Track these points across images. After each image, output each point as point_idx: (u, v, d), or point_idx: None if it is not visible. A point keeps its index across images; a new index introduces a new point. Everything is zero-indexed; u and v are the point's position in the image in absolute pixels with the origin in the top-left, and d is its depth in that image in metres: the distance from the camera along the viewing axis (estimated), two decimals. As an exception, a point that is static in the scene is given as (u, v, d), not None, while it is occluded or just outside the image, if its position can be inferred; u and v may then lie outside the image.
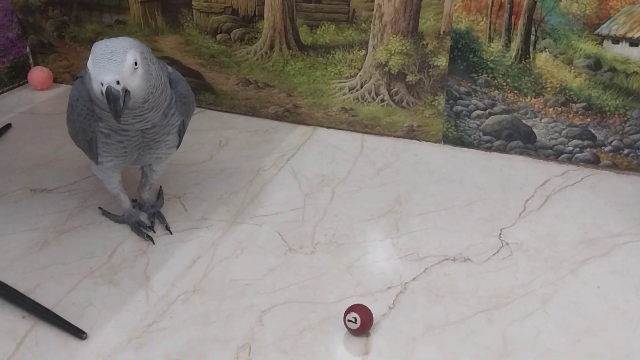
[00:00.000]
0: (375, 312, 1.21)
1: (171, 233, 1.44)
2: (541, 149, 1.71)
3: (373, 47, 1.76)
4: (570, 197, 1.57)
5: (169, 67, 1.34)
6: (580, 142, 1.66)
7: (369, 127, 1.88)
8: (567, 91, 1.62)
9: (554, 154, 1.70)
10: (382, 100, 1.82)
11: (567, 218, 1.49)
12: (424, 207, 1.54)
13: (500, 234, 1.44)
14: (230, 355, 1.11)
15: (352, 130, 1.90)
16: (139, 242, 1.41)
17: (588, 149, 1.67)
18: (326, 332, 1.17)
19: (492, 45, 1.63)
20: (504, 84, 1.67)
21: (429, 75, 1.74)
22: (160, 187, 1.58)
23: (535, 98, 1.66)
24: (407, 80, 1.76)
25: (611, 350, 1.12)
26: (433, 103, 1.77)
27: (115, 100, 1.10)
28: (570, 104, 1.63)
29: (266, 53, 1.89)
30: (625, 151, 1.63)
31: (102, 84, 1.10)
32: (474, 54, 1.66)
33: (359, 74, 1.81)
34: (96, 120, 1.25)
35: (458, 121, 1.77)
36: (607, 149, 1.65)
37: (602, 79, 1.58)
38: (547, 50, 1.59)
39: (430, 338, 1.15)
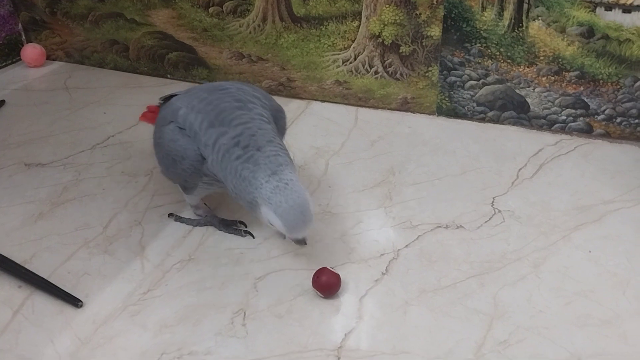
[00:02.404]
0: (369, 278, 1.22)
1: (253, 237, 1.34)
2: (534, 118, 1.71)
3: (366, 18, 1.75)
4: (563, 165, 1.58)
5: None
6: (573, 111, 1.67)
7: (363, 100, 1.87)
8: (560, 60, 1.62)
9: (548, 124, 1.71)
10: (376, 72, 1.82)
11: (559, 186, 1.50)
12: (417, 177, 1.55)
13: (493, 201, 1.44)
14: (225, 320, 1.13)
15: (346, 104, 1.90)
16: (134, 214, 1.42)
17: (581, 118, 1.67)
18: (321, 297, 1.18)
19: (485, 14, 1.63)
20: (497, 53, 1.66)
21: (422, 46, 1.73)
22: None
23: (528, 67, 1.66)
24: (400, 51, 1.76)
25: (601, 311, 1.14)
26: (427, 74, 1.77)
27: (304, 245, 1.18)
28: (563, 72, 1.63)
29: (259, 26, 1.88)
30: (618, 119, 1.64)
31: (299, 238, 1.15)
32: (467, 23, 1.65)
33: (352, 46, 1.80)
34: (201, 176, 1.22)
35: (452, 92, 1.77)
36: (600, 117, 1.65)
37: (595, 47, 1.57)
38: (540, 18, 1.59)
39: (422, 302, 1.17)
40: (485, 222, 1.38)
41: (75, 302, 1.17)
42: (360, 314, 1.14)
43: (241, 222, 1.36)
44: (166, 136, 1.23)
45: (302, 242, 1.16)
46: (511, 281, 1.21)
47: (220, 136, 1.15)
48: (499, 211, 1.41)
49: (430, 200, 1.45)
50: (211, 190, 1.31)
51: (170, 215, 1.40)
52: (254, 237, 1.33)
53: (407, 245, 1.31)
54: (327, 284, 1.15)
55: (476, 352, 1.06)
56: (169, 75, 2.08)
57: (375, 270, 1.24)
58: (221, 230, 1.35)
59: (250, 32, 1.90)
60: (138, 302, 1.18)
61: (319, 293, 1.16)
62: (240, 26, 1.91)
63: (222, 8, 1.90)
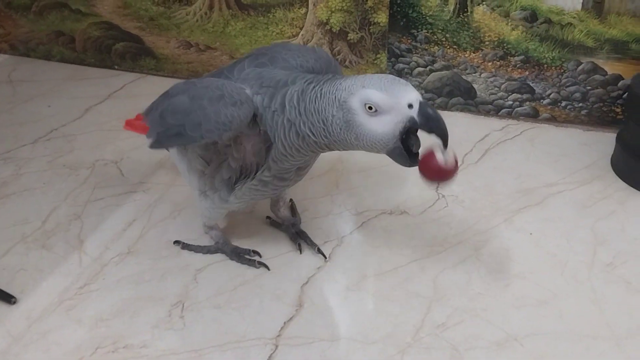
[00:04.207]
0: (312, 266, 1.21)
1: (325, 257, 1.22)
2: (482, 104, 1.72)
3: (313, 5, 1.73)
4: (509, 150, 1.59)
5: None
6: (519, 95, 1.68)
7: (313, 87, 1.86)
8: (505, 44, 1.63)
9: (494, 109, 1.72)
10: (325, 60, 1.80)
11: (504, 170, 1.51)
12: (365, 165, 1.54)
13: (438, 187, 1.45)
14: (162, 312, 1.11)
15: (296, 92, 1.88)
16: (74, 207, 1.38)
17: (527, 103, 1.68)
18: (261, 285, 1.17)
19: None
20: (444, 39, 1.66)
21: (370, 33, 1.72)
22: (291, 199, 1.36)
23: (474, 53, 1.66)
24: (348, 38, 1.75)
25: (539, 291, 1.15)
26: (375, 62, 1.76)
27: (440, 117, 0.93)
28: (509, 57, 1.64)
29: (206, 13, 1.85)
30: (563, 103, 1.66)
31: (411, 104, 0.91)
32: (413, 9, 1.65)
33: (300, 33, 1.79)
34: (235, 133, 1.02)
35: (400, 79, 1.76)
36: (545, 102, 1.67)
37: (538, 31, 1.59)
38: (484, 3, 1.59)
39: (363, 287, 1.17)
40: (429, 207, 1.38)
41: (8, 298, 1.14)
42: (300, 301, 1.13)
43: (255, 252, 1.24)
44: (225, 81, 1.03)
45: (427, 112, 0.92)
46: (451, 264, 1.21)
47: (289, 90, 1.00)
48: (443, 196, 1.42)
49: (376, 187, 1.45)
50: (261, 194, 1.14)
51: (176, 242, 1.26)
52: (269, 269, 1.20)
53: (351, 232, 1.31)
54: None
55: (414, 335, 1.06)
56: (116, 67, 2.03)
57: (318, 258, 1.23)
58: (233, 259, 1.22)
59: (197, 21, 1.87)
60: (74, 296, 1.15)
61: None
62: (187, 14, 1.87)
63: (168, -4, 1.86)
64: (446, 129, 0.94)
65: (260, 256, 1.23)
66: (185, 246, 1.26)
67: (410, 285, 1.17)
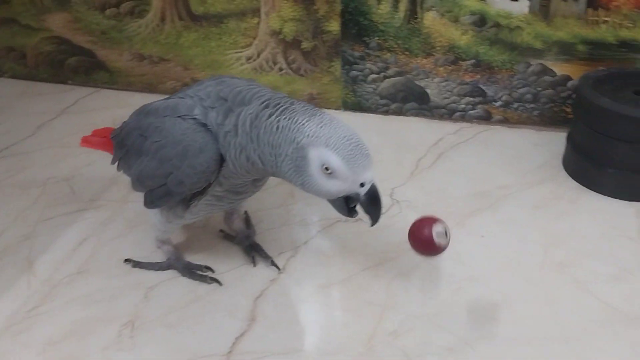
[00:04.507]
0: (265, 279, 1.21)
1: (279, 269, 1.22)
2: (435, 108, 1.74)
3: (265, 14, 1.73)
4: (463, 153, 1.61)
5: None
6: (472, 99, 1.70)
7: (269, 97, 1.85)
8: (455, 49, 1.64)
9: (448, 113, 1.74)
10: (281, 69, 1.80)
11: (457, 173, 1.52)
12: (321, 173, 1.54)
13: (392, 193, 1.45)
14: (112, 333, 1.09)
15: (252, 101, 1.88)
16: (23, 228, 1.35)
17: (480, 106, 1.70)
18: (214, 301, 1.15)
19: (381, 6, 1.64)
20: (395, 46, 1.68)
21: (323, 41, 1.73)
22: (245, 212, 1.35)
23: (425, 58, 1.68)
24: (302, 47, 1.75)
25: (491, 294, 1.16)
26: (330, 69, 1.76)
27: (380, 199, 0.97)
28: (460, 62, 1.66)
29: (158, 25, 1.83)
30: (515, 105, 1.68)
31: (364, 184, 0.95)
32: (364, 17, 1.66)
33: (254, 43, 1.78)
34: (213, 178, 1.03)
35: (355, 86, 1.77)
36: (497, 104, 1.69)
37: (487, 35, 1.61)
38: (433, 8, 1.61)
39: (316, 298, 1.16)
40: (383, 213, 1.37)
41: (-47, 326, 1.11)
42: (253, 315, 1.12)
43: (207, 268, 1.22)
44: (182, 125, 1.01)
45: (374, 196, 0.97)
46: (405, 270, 1.22)
47: (243, 112, 0.98)
48: (397, 202, 1.42)
49: (331, 195, 1.45)
50: (217, 208, 1.14)
51: (127, 261, 1.24)
52: (221, 285, 1.18)
53: (306, 242, 1.30)
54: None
55: (366, 344, 1.06)
56: (69, 81, 2.00)
57: (272, 270, 1.23)
58: (185, 276, 1.20)
59: (149, 33, 1.85)
60: (22, 320, 1.12)
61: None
62: (139, 27, 1.85)
63: (118, 9, 1.84)
64: (380, 216, 0.99)
65: (213, 272, 1.22)
66: (136, 264, 1.23)
67: (363, 293, 1.17)
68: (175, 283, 1.20)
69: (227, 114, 1.00)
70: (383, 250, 1.27)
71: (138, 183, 1.13)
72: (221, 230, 1.32)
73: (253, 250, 1.25)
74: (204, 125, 1.01)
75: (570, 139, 1.51)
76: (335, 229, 1.34)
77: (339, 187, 0.95)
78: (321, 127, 0.92)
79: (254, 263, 1.23)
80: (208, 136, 1.00)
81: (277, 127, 0.94)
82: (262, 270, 1.23)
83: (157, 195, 1.08)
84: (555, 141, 1.61)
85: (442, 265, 1.23)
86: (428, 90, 1.72)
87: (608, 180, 1.42)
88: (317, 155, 0.92)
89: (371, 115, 1.80)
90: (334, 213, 1.38)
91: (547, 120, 1.67)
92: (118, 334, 1.09)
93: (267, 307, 1.14)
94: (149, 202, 1.11)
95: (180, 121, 1.02)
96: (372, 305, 1.14)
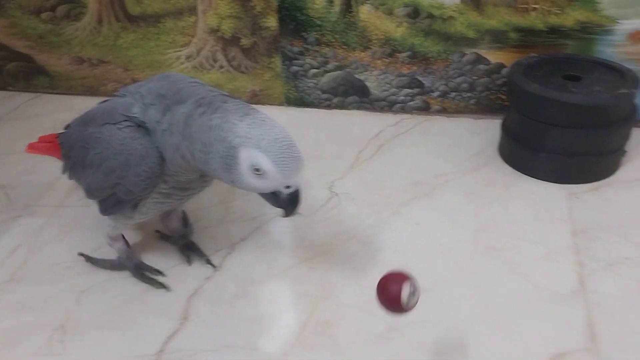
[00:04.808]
0: (200, 277, 1.20)
1: (214, 267, 1.22)
2: (376, 101, 1.76)
3: (202, 12, 1.73)
4: (402, 144, 1.63)
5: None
6: (410, 90, 1.72)
7: (212, 95, 1.85)
8: (391, 42, 1.66)
9: (388, 105, 1.75)
10: (221, 67, 1.80)
11: (396, 164, 1.54)
12: (262, 169, 1.54)
13: (332, 185, 1.46)
14: (42, 338, 1.07)
15: (195, 101, 1.87)
16: (-45, 238, 1.33)
17: (418, 97, 1.73)
18: (146, 302, 1.15)
19: (317, 1, 1.64)
20: (333, 40, 1.69)
21: (261, 38, 1.73)
22: (183, 211, 1.33)
23: (363, 52, 1.69)
24: (241, 44, 1.75)
25: (422, 280, 1.16)
26: (270, 65, 1.77)
27: (300, 201, 0.99)
28: (396, 54, 1.68)
29: (95, 28, 1.81)
30: (452, 95, 1.71)
31: (290, 186, 0.96)
32: (301, 12, 1.67)
33: (193, 41, 1.77)
34: (159, 181, 1.04)
35: (296, 82, 1.78)
36: (435, 94, 1.71)
37: (422, 26, 1.63)
38: (367, 2, 1.62)
39: (251, 293, 1.17)
40: (322, 206, 1.40)
41: None
42: (186, 314, 1.12)
43: (158, 271, 1.21)
44: (119, 134, 1.02)
45: (295, 198, 0.98)
46: (341, 261, 1.23)
47: (179, 110, 0.98)
48: (336, 194, 1.43)
49: (271, 191, 1.45)
50: (163, 206, 1.14)
51: (80, 254, 1.23)
52: (168, 290, 1.17)
53: (243, 239, 1.31)
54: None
55: (298, 335, 1.07)
56: (10, 87, 1.97)
57: (207, 268, 1.22)
58: (135, 277, 1.19)
59: (87, 35, 1.83)
60: (-49, 331, 1.10)
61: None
62: (76, 30, 1.83)
63: (54, 13, 1.81)
64: (294, 213, 1.02)
65: (165, 276, 1.20)
66: (89, 259, 1.23)
67: (298, 286, 1.18)
68: (107, 286, 1.19)
69: (164, 112, 1.00)
70: (320, 243, 1.28)
71: (88, 194, 1.13)
72: (157, 231, 1.31)
73: (188, 249, 1.25)
74: (143, 124, 1.01)
75: (504, 126, 1.54)
76: (273, 225, 1.34)
77: (266, 185, 0.97)
78: (253, 128, 0.92)
79: (189, 262, 1.23)
80: (146, 141, 1.01)
81: (209, 126, 0.94)
82: (198, 269, 1.22)
83: (109, 204, 1.09)
84: (492, 129, 1.64)
85: (377, 255, 1.24)
86: (368, 84, 1.73)
87: (541, 165, 1.45)
88: (248, 156, 0.92)
89: (314, 110, 1.81)
90: (272, 209, 1.40)
91: (484, 108, 1.70)
92: (48, 339, 1.07)
93: (200, 305, 1.14)
94: (104, 211, 1.11)
95: (117, 130, 1.02)
96: (307, 297, 1.15)
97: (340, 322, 1.09)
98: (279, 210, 1.02)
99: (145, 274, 1.20)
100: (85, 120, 1.12)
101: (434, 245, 1.27)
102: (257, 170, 0.93)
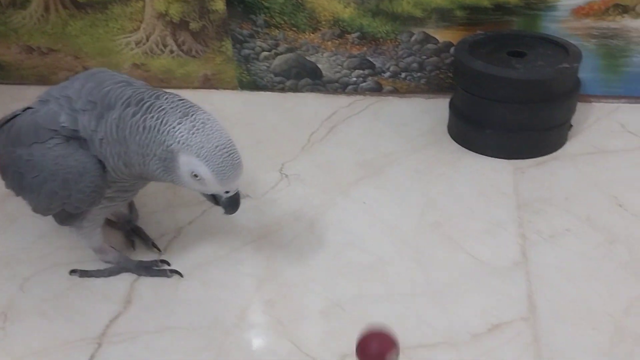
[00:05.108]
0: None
1: (159, 251, 1.21)
2: (329, 83, 1.76)
3: (150, -2, 1.71)
4: (354, 125, 1.63)
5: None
6: (361, 71, 1.72)
7: (164, 81, 1.83)
8: (340, 22, 1.66)
9: (341, 87, 1.76)
10: (172, 52, 1.78)
11: (346, 145, 1.54)
12: (213, 153, 1.54)
13: (282, 167, 1.47)
14: (-18, 327, 1.07)
15: (148, 87, 1.85)
16: None
17: (370, 78, 1.73)
18: (90, 288, 1.14)
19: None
20: (282, 22, 1.68)
21: (210, 21, 1.71)
22: None
23: (313, 33, 1.69)
24: (190, 27, 1.73)
25: (366, 257, 1.19)
26: (221, 49, 1.75)
27: (239, 204, 1.01)
28: (346, 35, 1.68)
29: (42, 16, 1.78)
30: (403, 75, 1.71)
31: (229, 191, 0.97)
32: (249, -6, 1.66)
33: (142, 27, 1.75)
34: (104, 192, 1.01)
35: (248, 65, 1.77)
36: (386, 75, 1.72)
37: (369, 7, 1.63)
38: (315, -17, 1.62)
39: (195, 276, 1.16)
40: (271, 188, 1.40)
41: None
42: (129, 298, 1.12)
43: (163, 261, 1.18)
44: (50, 154, 0.97)
45: (235, 201, 0.99)
46: (286, 242, 1.24)
47: (110, 117, 0.95)
48: (286, 176, 1.44)
49: (220, 175, 1.45)
50: (112, 208, 1.12)
51: (73, 271, 1.16)
52: (182, 276, 1.15)
53: (190, 222, 1.30)
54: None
55: (240, 315, 1.07)
56: (-42, 79, 1.93)
57: (153, 253, 1.22)
58: (142, 275, 1.15)
59: (35, 24, 1.80)
60: None
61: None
62: (23, 18, 1.80)
63: (-1, 1, 1.78)
64: (235, 213, 1.03)
65: (169, 264, 1.18)
66: (85, 273, 1.16)
67: (242, 267, 1.18)
68: (53, 273, 1.18)
69: (98, 120, 0.96)
70: (266, 224, 1.28)
71: (37, 212, 1.10)
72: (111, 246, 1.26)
73: (133, 234, 1.24)
74: (75, 134, 0.97)
75: (451, 104, 1.55)
76: (220, 209, 1.34)
77: (205, 189, 0.98)
78: (193, 133, 0.91)
79: (134, 247, 1.22)
80: (81, 155, 0.97)
81: (144, 127, 0.92)
82: (143, 254, 1.22)
83: (62, 217, 1.08)
84: (443, 108, 1.64)
85: (323, 234, 1.25)
86: (319, 65, 1.73)
87: (487, 141, 1.47)
88: (187, 162, 0.92)
89: (268, 93, 1.80)
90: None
91: (434, 87, 1.72)
92: (-12, 327, 1.07)
93: (144, 289, 1.14)
94: (60, 223, 1.10)
95: (47, 150, 0.98)
96: (250, 278, 1.15)
97: (283, 301, 1.10)
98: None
99: (152, 269, 1.16)
100: (12, 139, 1.04)
101: (379, 223, 1.28)
102: (196, 176, 0.93)
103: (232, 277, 1.16)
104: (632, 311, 1.04)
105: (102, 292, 1.13)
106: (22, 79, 1.90)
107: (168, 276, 1.15)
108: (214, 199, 1.01)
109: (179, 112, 0.92)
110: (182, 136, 0.90)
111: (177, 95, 0.99)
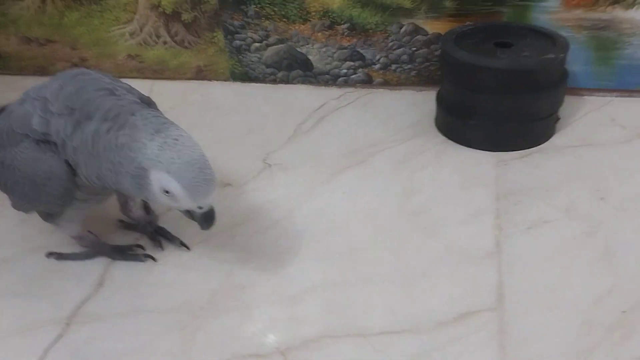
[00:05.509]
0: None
1: (188, 249, 1.19)
2: (320, 75, 1.76)
3: (143, -11, 1.73)
4: (342, 116, 1.63)
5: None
6: (352, 63, 1.72)
7: (158, 72, 1.85)
8: (330, 14, 1.66)
9: (332, 79, 1.75)
10: (165, 42, 1.80)
11: (333, 135, 1.54)
12: (200, 141, 1.55)
13: (267, 157, 1.47)
14: (-42, 306, 1.09)
15: (142, 78, 1.87)
16: None
17: (360, 70, 1.73)
18: (65, 270, 1.16)
19: (251, -26, 1.64)
20: (272, 13, 1.68)
21: (202, 12, 1.73)
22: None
23: (303, 24, 1.69)
24: (183, 19, 1.75)
25: (343, 244, 1.19)
26: (213, 40, 1.77)
27: (213, 219, 1.00)
28: (336, 26, 1.67)
29: (40, 7, 1.81)
30: (393, 67, 1.71)
31: (202, 207, 0.97)
32: (239, -15, 1.67)
33: (135, 18, 1.77)
34: (74, 195, 1.03)
35: (240, 56, 1.78)
36: (376, 67, 1.71)
37: (359, -3, 1.63)
38: (304, -26, 1.62)
39: (169, 260, 1.18)
40: (253, 177, 1.41)
41: None
42: (102, 280, 1.13)
43: (138, 246, 1.20)
44: (21, 157, 0.99)
45: (209, 216, 0.99)
46: (262, 228, 1.24)
47: (87, 128, 0.96)
48: (270, 165, 1.44)
49: (205, 163, 1.46)
50: (88, 208, 1.12)
51: (49, 254, 1.18)
52: (155, 260, 1.17)
53: (168, 211, 1.31)
54: None
55: (210, 299, 1.08)
56: (-41, 69, 1.97)
57: (130, 237, 1.23)
58: (117, 259, 1.17)
59: (32, 15, 1.83)
60: None
61: None
62: (21, 9, 1.83)
63: (-1, -8, 1.82)
64: (210, 228, 1.02)
65: (144, 249, 1.20)
66: (61, 256, 1.18)
67: (217, 253, 1.19)
68: (30, 255, 1.20)
69: (75, 127, 0.97)
70: (244, 212, 1.29)
71: (19, 210, 1.14)
72: (120, 221, 1.27)
73: (158, 235, 1.22)
74: (45, 137, 0.98)
75: (438, 96, 1.54)
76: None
77: (178, 205, 0.98)
78: (164, 149, 0.91)
79: (162, 247, 1.20)
80: (49, 159, 0.98)
81: (116, 145, 0.93)
82: (121, 237, 1.23)
83: (43, 215, 1.12)
84: (432, 100, 1.63)
85: (300, 222, 1.25)
86: (310, 57, 1.73)
87: (471, 133, 1.45)
88: (158, 179, 0.92)
89: (259, 85, 1.81)
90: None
91: (425, 79, 1.70)
92: (-39, 307, 1.09)
93: (117, 272, 1.15)
94: (43, 219, 1.13)
95: (20, 153, 1.00)
96: (224, 263, 1.16)
97: (253, 286, 1.10)
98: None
99: (126, 253, 1.18)
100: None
101: (358, 211, 1.28)
102: (167, 192, 0.93)
103: (205, 262, 1.17)
104: (603, 303, 1.03)
105: (77, 275, 1.15)
106: (21, 70, 1.94)
107: (142, 260, 1.17)
108: (190, 214, 1.00)
109: (151, 128, 0.92)
110: (153, 153, 0.91)
111: (154, 111, 0.99)
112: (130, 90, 1.07)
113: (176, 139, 0.92)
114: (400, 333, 1.00)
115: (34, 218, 1.27)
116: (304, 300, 1.07)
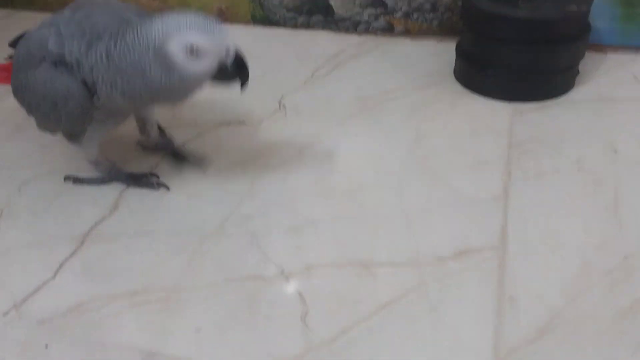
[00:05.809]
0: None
1: (204, 169, 1.24)
2: (340, 21, 1.75)
3: None
4: (360, 63, 1.63)
5: None
6: (373, 10, 1.71)
7: (180, 14, 1.86)
8: (353, -42, 1.64)
9: (352, 25, 1.75)
10: (187, -16, 1.81)
11: (349, 81, 1.55)
12: (217, 82, 1.57)
13: (281, 98, 1.48)
14: (-21, 221, 1.14)
15: (165, 19, 1.88)
16: None
17: (382, 17, 1.71)
18: (82, 193, 1.20)
19: None
20: (295, -44, 1.67)
21: (226, -47, 1.73)
22: (158, 125, 1.32)
23: (326, -32, 1.68)
24: (206, -40, 1.75)
25: (348, 183, 1.22)
26: (233, -18, 1.77)
27: (246, 62, 1.01)
28: (358, -29, 1.66)
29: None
30: (415, 15, 1.69)
31: (228, 50, 0.98)
32: None
33: (159, -42, 1.78)
34: (92, 115, 1.06)
35: (262, 0, 1.78)
36: (398, 15, 1.70)
37: (384, -56, 1.61)
38: None
39: (182, 189, 1.21)
40: (268, 117, 1.42)
41: None
42: (116, 204, 1.17)
43: (152, 174, 1.23)
44: (40, 78, 1.03)
45: (241, 63, 1.02)
46: (273, 165, 1.26)
47: (98, 48, 0.99)
48: (284, 107, 1.45)
49: (218, 102, 1.47)
50: (106, 129, 1.16)
51: (66, 178, 1.23)
52: (168, 189, 1.20)
53: (184, 143, 1.34)
54: None
55: (219, 226, 1.11)
56: (-12, 3, 2.01)
57: (145, 165, 1.27)
58: (131, 185, 1.21)
59: (59, -49, 1.84)
60: None
61: None
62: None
63: None
64: (248, 77, 1.03)
65: (159, 177, 1.23)
66: (77, 180, 1.22)
67: (228, 185, 1.21)
68: (48, 178, 1.24)
69: (88, 47, 1.00)
70: (257, 149, 1.31)
71: (42, 130, 1.17)
72: (138, 143, 1.32)
73: (179, 157, 1.28)
74: (61, 58, 1.01)
75: (458, 46, 1.53)
76: (217, 132, 1.38)
77: (208, 61, 0.98)
78: (166, 20, 0.95)
79: (183, 166, 1.25)
80: (66, 79, 1.01)
81: (128, 47, 0.97)
82: (140, 165, 1.27)
83: (67, 136, 1.15)
84: (452, 51, 1.62)
85: (310, 161, 1.27)
86: (331, 2, 1.72)
87: (490, 83, 1.44)
88: (176, 43, 0.95)
89: (280, 29, 1.81)
90: (219, 116, 1.43)
91: (446, 29, 1.69)
92: (-16, 223, 1.14)
93: (131, 197, 1.19)
94: (68, 140, 1.17)
95: (38, 73, 1.03)
96: (233, 194, 1.19)
97: (260, 216, 1.13)
98: (237, 88, 1.04)
99: (141, 180, 1.22)
100: (16, 65, 1.10)
101: (367, 154, 1.29)
102: (191, 50, 0.95)
103: (216, 192, 1.20)
104: (604, 248, 1.04)
105: (92, 198, 1.19)
106: (46, 6, 1.96)
107: (155, 188, 1.20)
108: (223, 73, 1.01)
109: (149, 18, 0.98)
110: (158, 28, 0.95)
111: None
112: (139, 10, 1.10)
113: (175, 14, 0.97)
114: (401, 265, 1.02)
115: (53, 145, 1.32)
116: (309, 231, 1.09)
